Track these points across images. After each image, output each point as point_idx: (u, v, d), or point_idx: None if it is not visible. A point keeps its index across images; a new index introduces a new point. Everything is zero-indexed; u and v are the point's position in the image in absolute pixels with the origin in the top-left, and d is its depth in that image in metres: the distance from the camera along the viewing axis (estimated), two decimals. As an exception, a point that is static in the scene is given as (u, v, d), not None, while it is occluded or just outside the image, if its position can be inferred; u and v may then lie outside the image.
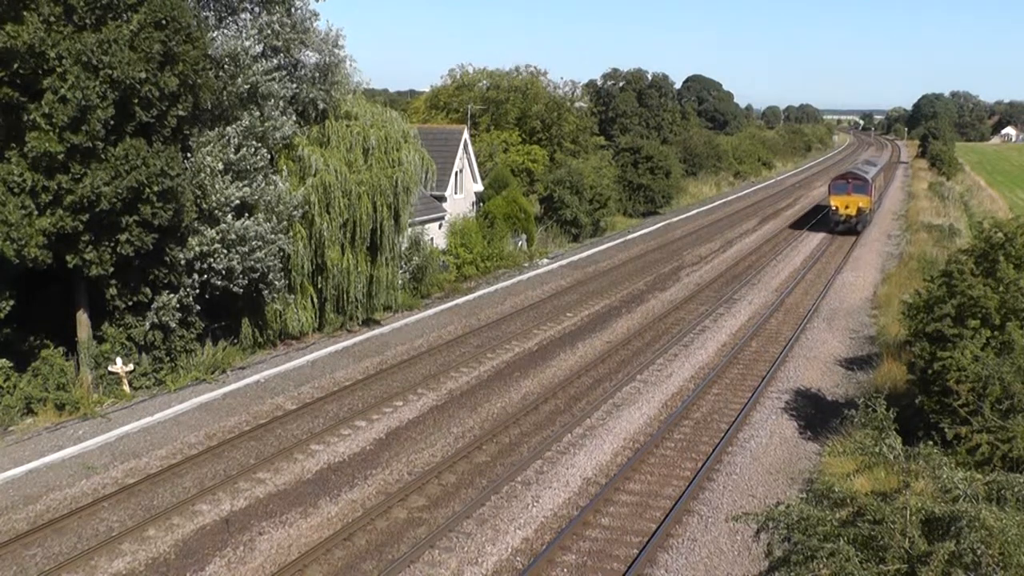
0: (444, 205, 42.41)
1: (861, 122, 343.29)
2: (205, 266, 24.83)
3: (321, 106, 30.51)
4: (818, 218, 65.59)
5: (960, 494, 11.16)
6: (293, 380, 26.18)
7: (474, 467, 20.38)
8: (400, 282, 33.66)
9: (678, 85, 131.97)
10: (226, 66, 25.66)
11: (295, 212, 27.74)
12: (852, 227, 57.67)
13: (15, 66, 19.51)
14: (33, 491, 18.61)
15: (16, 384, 22.09)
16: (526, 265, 44.39)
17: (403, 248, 33.88)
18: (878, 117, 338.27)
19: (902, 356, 24.76)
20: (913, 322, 20.86)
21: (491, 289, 39.06)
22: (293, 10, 28.82)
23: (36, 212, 20.37)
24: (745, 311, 36.13)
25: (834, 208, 58.54)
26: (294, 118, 28.67)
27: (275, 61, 28.14)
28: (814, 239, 57.07)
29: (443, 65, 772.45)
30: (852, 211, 57.71)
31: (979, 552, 10.03)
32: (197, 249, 24.36)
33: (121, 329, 24.13)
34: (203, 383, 25.16)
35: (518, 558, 16.31)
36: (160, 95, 21.25)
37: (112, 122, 20.56)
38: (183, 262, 24.26)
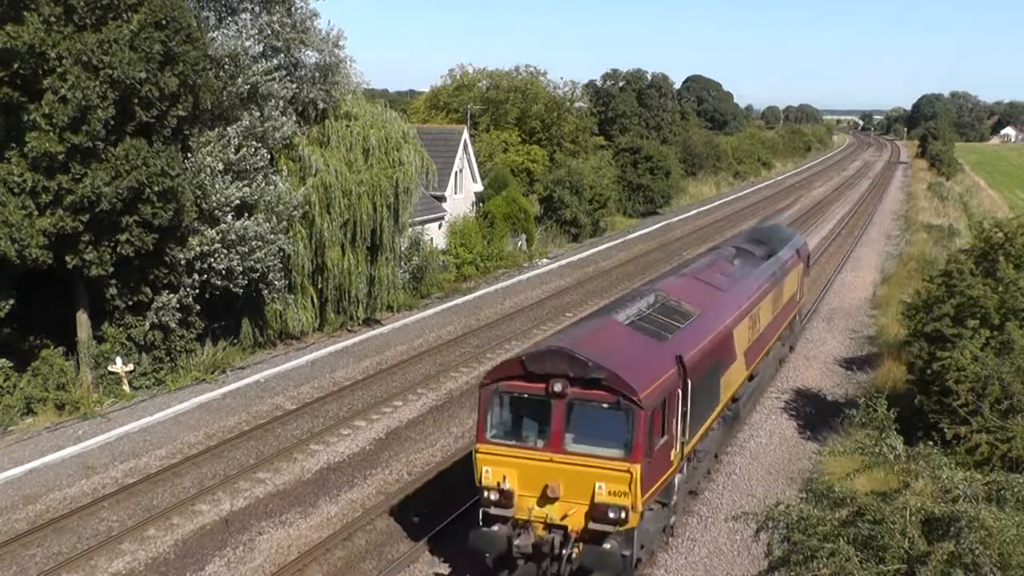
0: (444, 205, 42.40)
1: (861, 122, 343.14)
2: (205, 266, 24.83)
3: (321, 106, 30.50)
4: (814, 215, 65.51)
5: (960, 494, 11.14)
6: (293, 380, 26.18)
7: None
8: (400, 282, 33.66)
9: (678, 85, 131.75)
10: (226, 66, 25.66)
11: (295, 212, 27.73)
12: None
13: (15, 66, 19.51)
14: (33, 491, 18.62)
15: (16, 384, 22.11)
16: (526, 265, 44.38)
17: (403, 248, 33.89)
18: (878, 117, 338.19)
19: (902, 356, 24.71)
20: (912, 322, 20.86)
21: (491, 289, 39.06)
22: (293, 10, 28.81)
23: (36, 212, 20.38)
24: (745, 311, 36.07)
25: (489, 501, 14.08)
26: (294, 118, 28.67)
27: (275, 61, 28.15)
28: (813, 239, 57.02)
29: (443, 65, 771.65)
30: (571, 519, 13.69)
31: (978, 553, 10.03)
32: (197, 249, 24.36)
33: (121, 329, 24.13)
34: (203, 383, 25.16)
35: (518, 558, 16.29)
36: (160, 95, 21.27)
37: (112, 122, 20.58)
38: (183, 262, 24.27)
